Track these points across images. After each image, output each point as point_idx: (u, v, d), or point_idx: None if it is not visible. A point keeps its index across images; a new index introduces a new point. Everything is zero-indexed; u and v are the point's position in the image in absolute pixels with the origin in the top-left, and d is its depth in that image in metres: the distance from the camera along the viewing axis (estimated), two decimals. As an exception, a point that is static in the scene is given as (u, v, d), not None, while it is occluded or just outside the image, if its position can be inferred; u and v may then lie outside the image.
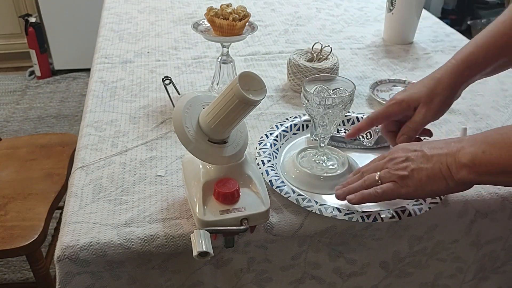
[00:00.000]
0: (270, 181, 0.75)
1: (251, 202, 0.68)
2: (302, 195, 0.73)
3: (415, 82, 0.78)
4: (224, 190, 0.67)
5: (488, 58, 0.75)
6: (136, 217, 0.72)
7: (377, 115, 0.77)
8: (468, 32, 3.11)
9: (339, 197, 0.71)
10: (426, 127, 0.79)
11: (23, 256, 1.20)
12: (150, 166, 0.83)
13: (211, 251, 0.61)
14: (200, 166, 0.71)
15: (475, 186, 0.78)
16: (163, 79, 0.89)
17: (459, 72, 0.75)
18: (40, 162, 1.38)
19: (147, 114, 0.97)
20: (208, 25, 0.97)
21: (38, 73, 2.81)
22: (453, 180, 0.62)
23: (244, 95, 0.62)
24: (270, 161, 0.79)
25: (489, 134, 0.62)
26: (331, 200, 0.76)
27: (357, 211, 0.71)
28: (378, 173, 0.68)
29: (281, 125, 0.89)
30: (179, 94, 0.94)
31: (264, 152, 0.81)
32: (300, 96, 1.01)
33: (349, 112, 0.91)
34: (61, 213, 1.49)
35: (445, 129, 0.93)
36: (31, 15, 2.72)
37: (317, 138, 0.81)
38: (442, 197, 0.73)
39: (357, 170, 0.73)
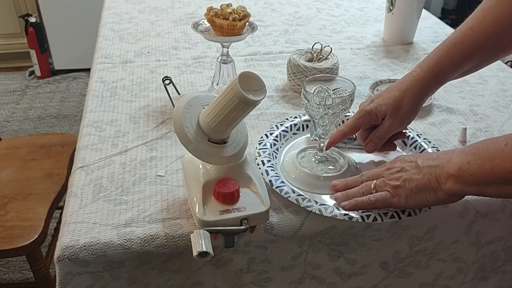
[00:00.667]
0: (270, 181, 0.75)
1: (251, 202, 0.68)
2: (302, 195, 0.73)
3: (383, 90, 0.80)
4: (224, 190, 0.67)
5: (454, 66, 0.76)
6: (136, 217, 0.72)
7: (348, 127, 0.80)
8: (468, 32, 3.11)
9: (336, 200, 0.74)
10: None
11: (23, 256, 1.20)
12: (150, 166, 0.82)
13: (211, 251, 0.61)
14: (200, 166, 0.71)
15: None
16: (163, 79, 0.89)
17: (424, 83, 0.77)
18: (40, 162, 1.38)
19: (147, 114, 0.97)
20: (208, 25, 0.97)
21: (38, 73, 2.81)
22: (441, 191, 0.65)
23: (244, 95, 0.62)
24: (270, 161, 0.79)
25: (476, 145, 0.63)
26: (331, 200, 0.76)
27: (357, 211, 0.71)
28: (375, 181, 0.71)
29: (281, 125, 0.89)
30: (179, 94, 0.94)
31: (264, 152, 0.81)
32: (300, 96, 1.01)
33: (349, 112, 0.91)
34: (61, 213, 1.49)
35: (445, 129, 0.93)
36: (31, 15, 2.72)
37: (317, 138, 0.81)
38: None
39: (361, 173, 0.75)
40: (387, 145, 0.81)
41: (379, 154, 0.85)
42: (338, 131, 0.80)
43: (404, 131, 0.83)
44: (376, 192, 0.70)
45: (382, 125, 0.78)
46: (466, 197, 0.76)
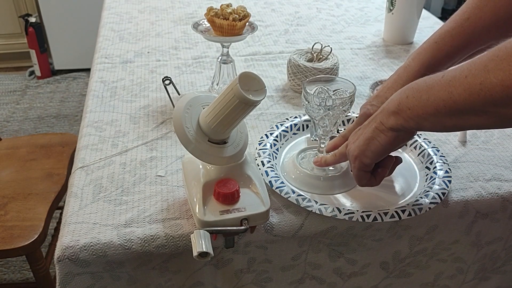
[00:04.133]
0: (270, 181, 0.75)
1: (251, 203, 0.68)
2: (302, 195, 0.73)
3: (380, 89, 0.79)
4: (224, 191, 0.67)
5: (449, 58, 0.76)
6: (136, 217, 0.72)
7: (349, 131, 0.80)
8: (468, 32, 3.11)
9: (315, 163, 0.79)
10: None
11: (23, 256, 1.20)
12: (150, 166, 0.82)
13: (211, 251, 0.61)
14: (200, 167, 0.71)
15: (475, 187, 0.78)
16: (163, 79, 0.89)
17: (419, 77, 0.76)
18: (40, 162, 1.38)
19: (147, 114, 0.97)
20: (208, 25, 0.97)
21: (38, 73, 2.81)
22: (387, 130, 0.65)
23: (244, 95, 0.61)
24: (270, 161, 0.79)
25: (416, 81, 0.63)
26: (331, 200, 0.76)
27: (357, 211, 0.71)
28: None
29: (281, 125, 0.89)
30: (179, 94, 0.94)
31: (264, 152, 0.81)
32: (300, 96, 1.02)
33: (349, 113, 0.91)
34: (61, 213, 1.49)
35: (446, 129, 0.93)
36: (31, 15, 2.72)
37: (317, 139, 0.81)
38: (442, 197, 0.73)
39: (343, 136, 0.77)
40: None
41: None
42: (339, 136, 0.80)
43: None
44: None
45: None
46: (467, 197, 0.76)
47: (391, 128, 0.65)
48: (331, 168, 0.81)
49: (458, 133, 0.91)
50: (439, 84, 0.58)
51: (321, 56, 1.06)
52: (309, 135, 0.89)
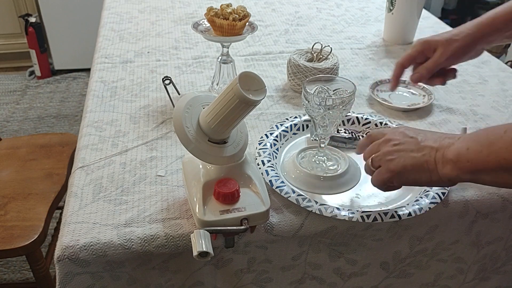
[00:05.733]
0: (270, 181, 0.75)
1: (251, 202, 0.68)
2: (302, 195, 0.73)
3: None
4: (224, 190, 0.67)
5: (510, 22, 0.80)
6: (136, 217, 0.72)
7: (403, 58, 0.85)
8: (468, 32, 3.11)
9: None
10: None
11: (23, 256, 1.20)
12: (150, 166, 0.82)
13: (211, 251, 0.61)
14: (200, 166, 0.71)
15: (475, 187, 0.78)
16: (163, 79, 0.89)
17: (481, 27, 0.81)
18: (40, 162, 1.38)
19: (147, 114, 0.97)
20: (208, 25, 0.97)
21: (38, 73, 2.81)
22: (437, 174, 0.63)
23: (244, 95, 0.61)
24: (270, 161, 0.79)
25: (478, 132, 0.62)
26: (331, 200, 0.76)
27: (357, 211, 0.71)
28: (372, 157, 0.69)
29: (281, 125, 0.89)
30: (179, 94, 0.94)
31: (264, 152, 0.81)
32: (300, 96, 1.01)
33: (349, 112, 0.91)
34: (61, 213, 1.49)
35: (446, 129, 0.93)
36: (31, 15, 2.71)
37: (317, 138, 0.81)
38: (442, 197, 0.73)
39: (369, 139, 0.72)
40: (436, 79, 0.84)
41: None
42: (396, 64, 0.84)
43: (454, 67, 0.86)
44: (373, 166, 0.68)
45: (432, 56, 0.82)
46: (467, 197, 0.76)
47: (445, 175, 0.62)
48: (331, 167, 0.81)
49: (459, 133, 0.91)
50: (500, 141, 0.58)
51: (321, 56, 1.06)
52: (309, 135, 0.89)
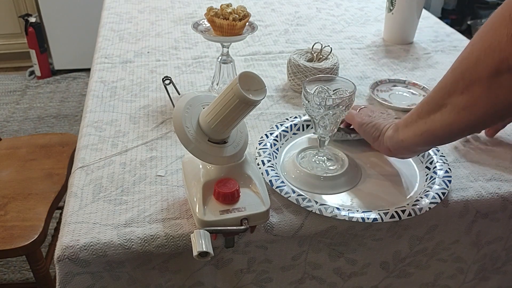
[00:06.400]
0: (270, 181, 0.75)
1: (251, 202, 0.68)
2: (302, 195, 0.73)
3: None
4: (224, 190, 0.67)
5: None
6: (136, 217, 0.72)
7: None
8: (468, 32, 3.11)
9: None
10: None
11: (23, 256, 1.20)
12: (150, 166, 0.82)
13: (211, 251, 0.61)
14: (200, 166, 0.71)
15: (475, 187, 0.78)
16: (163, 79, 0.89)
17: None
18: (40, 162, 1.38)
19: (147, 114, 0.97)
20: (208, 25, 0.97)
21: (38, 73, 2.81)
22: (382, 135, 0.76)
23: (244, 95, 0.61)
24: (270, 161, 0.79)
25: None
26: (331, 200, 0.76)
27: (357, 211, 0.71)
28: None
29: (281, 125, 0.89)
30: (179, 94, 0.94)
31: (264, 152, 0.81)
32: (300, 96, 1.02)
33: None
34: (61, 213, 1.49)
35: (446, 129, 0.93)
36: (31, 15, 2.72)
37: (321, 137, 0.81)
38: (442, 197, 0.73)
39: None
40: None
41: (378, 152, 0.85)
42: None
43: None
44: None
45: None
46: (467, 197, 0.76)
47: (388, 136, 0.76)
48: (331, 167, 0.81)
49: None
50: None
51: (321, 56, 1.06)
52: (309, 135, 0.89)
